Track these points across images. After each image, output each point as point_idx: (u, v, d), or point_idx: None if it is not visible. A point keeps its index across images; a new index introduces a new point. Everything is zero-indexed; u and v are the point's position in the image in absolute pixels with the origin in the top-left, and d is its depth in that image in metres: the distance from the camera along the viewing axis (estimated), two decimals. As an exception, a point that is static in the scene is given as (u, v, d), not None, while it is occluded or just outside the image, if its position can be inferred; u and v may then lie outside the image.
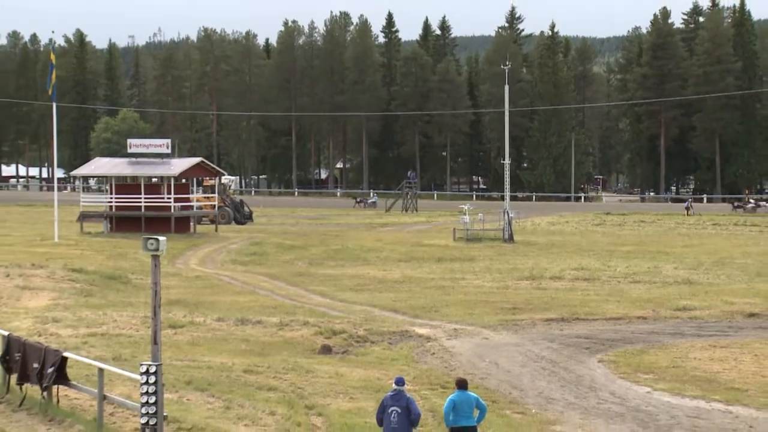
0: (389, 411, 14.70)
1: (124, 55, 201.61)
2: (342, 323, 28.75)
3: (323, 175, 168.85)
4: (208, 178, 74.87)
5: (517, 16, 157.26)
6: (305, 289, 38.85)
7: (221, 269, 46.06)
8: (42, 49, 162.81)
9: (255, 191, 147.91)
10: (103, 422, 16.78)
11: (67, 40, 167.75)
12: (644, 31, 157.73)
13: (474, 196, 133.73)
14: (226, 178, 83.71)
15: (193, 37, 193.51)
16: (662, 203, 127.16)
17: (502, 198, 69.04)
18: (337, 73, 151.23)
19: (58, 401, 18.05)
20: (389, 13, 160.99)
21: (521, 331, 28.90)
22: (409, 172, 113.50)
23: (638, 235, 70.14)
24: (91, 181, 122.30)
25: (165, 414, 15.46)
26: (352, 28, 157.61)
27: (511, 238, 61.46)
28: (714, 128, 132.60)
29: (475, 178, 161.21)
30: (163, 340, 16.48)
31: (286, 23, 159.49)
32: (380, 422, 14.91)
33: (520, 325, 29.90)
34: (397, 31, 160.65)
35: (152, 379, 14.99)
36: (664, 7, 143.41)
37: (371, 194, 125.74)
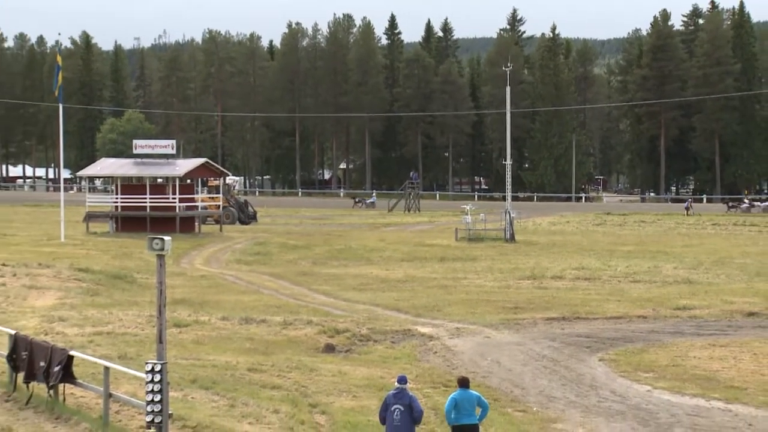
0: (392, 409, 14.76)
1: (130, 57, 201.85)
2: (345, 322, 28.79)
3: (327, 176, 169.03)
4: (212, 178, 74.97)
5: (518, 18, 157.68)
6: (309, 288, 38.88)
7: (226, 269, 46.13)
8: (48, 51, 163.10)
9: (259, 191, 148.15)
10: (109, 420, 16.86)
11: (74, 42, 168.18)
12: (644, 33, 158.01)
13: (476, 197, 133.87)
14: (230, 179, 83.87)
15: (198, 39, 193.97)
16: (662, 203, 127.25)
17: (504, 198, 69.06)
18: (340, 75, 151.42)
19: (64, 399, 18.10)
20: (392, 15, 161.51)
21: (523, 330, 28.92)
22: (411, 173, 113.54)
23: (638, 235, 70.19)
24: (97, 182, 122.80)
25: (170, 412, 15.50)
26: (355, 30, 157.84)
27: (512, 238, 61.56)
28: (713, 129, 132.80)
29: (477, 178, 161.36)
30: (168, 338, 16.56)
31: (289, 25, 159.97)
32: (383, 420, 14.97)
33: (522, 324, 29.92)
34: (399, 33, 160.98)
35: (157, 377, 15.03)
36: (664, 9, 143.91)
37: (371, 195, 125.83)
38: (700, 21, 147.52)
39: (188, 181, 67.39)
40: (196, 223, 65.65)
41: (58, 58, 59.71)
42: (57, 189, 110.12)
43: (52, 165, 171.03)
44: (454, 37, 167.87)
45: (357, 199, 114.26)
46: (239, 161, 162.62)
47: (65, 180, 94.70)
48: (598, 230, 74.52)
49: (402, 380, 15.09)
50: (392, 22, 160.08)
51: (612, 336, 28.14)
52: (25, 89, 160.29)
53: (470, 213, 65.31)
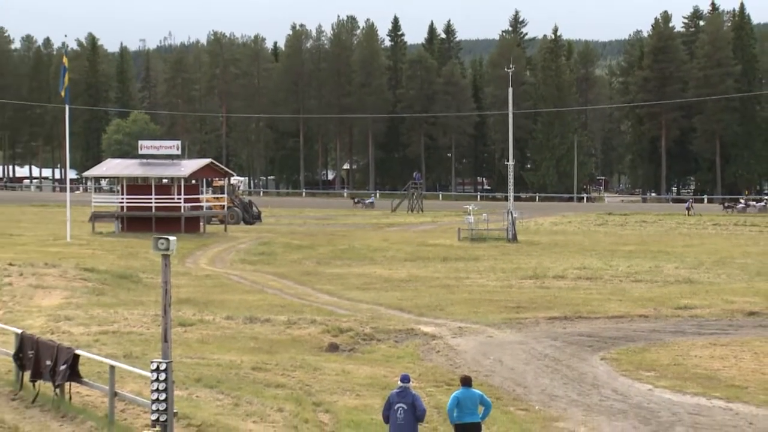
0: (395, 408, 14.82)
1: (136, 59, 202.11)
2: (349, 321, 28.85)
3: (330, 176, 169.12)
4: (217, 179, 75.16)
5: (520, 20, 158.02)
6: (313, 287, 38.94)
7: (230, 268, 46.20)
8: (55, 52, 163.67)
9: (263, 192, 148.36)
10: (115, 419, 16.94)
11: (80, 43, 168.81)
12: (645, 34, 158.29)
13: (478, 197, 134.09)
14: (235, 179, 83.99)
15: (203, 40, 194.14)
16: (663, 204, 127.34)
17: (506, 198, 69.11)
18: (344, 76, 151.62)
19: (70, 398, 18.18)
20: (395, 17, 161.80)
21: (525, 330, 28.99)
22: (414, 173, 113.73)
23: (640, 235, 70.20)
24: (103, 182, 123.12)
25: (175, 410, 15.59)
26: (358, 31, 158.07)
27: (514, 238, 61.63)
28: (714, 130, 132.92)
29: (479, 179, 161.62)
30: (173, 338, 16.68)
31: (294, 27, 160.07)
32: (386, 419, 15.02)
33: (524, 323, 29.98)
34: (402, 34, 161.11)
35: (162, 376, 15.11)
36: (665, 11, 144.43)
37: (370, 195, 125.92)
38: (701, 23, 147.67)
39: (193, 181, 67.57)
40: (201, 223, 65.80)
41: (65, 60, 59.92)
42: (63, 189, 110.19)
43: (59, 165, 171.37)
44: (457, 39, 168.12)
45: (356, 200, 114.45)
46: (244, 162, 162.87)
47: (71, 180, 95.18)
48: (600, 230, 74.54)
49: (405, 379, 15.14)
50: (395, 24, 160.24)
51: (613, 335, 28.20)
52: (32, 90, 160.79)
53: (473, 213, 65.37)
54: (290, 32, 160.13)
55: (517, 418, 19.01)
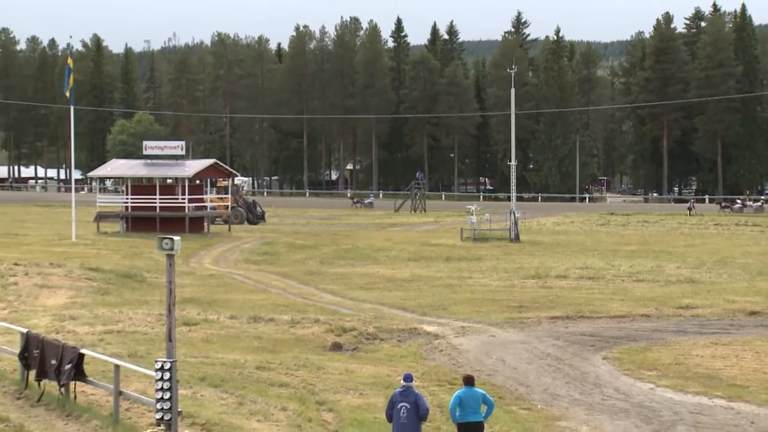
0: (398, 407, 14.90)
1: (140, 60, 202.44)
2: (352, 321, 28.91)
3: (334, 176, 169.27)
4: (221, 179, 75.23)
5: (523, 21, 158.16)
6: (316, 287, 39.01)
7: (234, 268, 46.28)
8: (60, 53, 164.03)
9: (267, 192, 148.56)
10: (119, 417, 17.04)
11: (85, 44, 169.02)
12: (647, 35, 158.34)
13: (481, 197, 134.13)
14: (239, 179, 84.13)
15: (207, 41, 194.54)
16: (665, 204, 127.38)
17: (509, 199, 69.25)
18: (347, 77, 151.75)
19: (75, 397, 18.26)
20: (398, 18, 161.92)
21: (527, 329, 29.02)
22: (417, 173, 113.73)
23: (642, 234, 70.20)
24: (108, 182, 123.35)
25: (179, 409, 15.66)
26: (362, 33, 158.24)
27: (517, 238, 61.70)
28: (716, 130, 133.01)
29: (482, 179, 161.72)
30: (177, 337, 16.71)
31: (297, 28, 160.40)
32: (389, 418, 15.11)
33: (526, 323, 30.02)
34: (406, 35, 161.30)
35: (167, 375, 15.19)
36: (667, 12, 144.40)
37: (370, 195, 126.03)
38: (703, 24, 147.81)
39: (197, 181, 67.68)
40: (205, 223, 65.93)
41: (70, 61, 60.01)
42: (68, 189, 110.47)
43: (64, 166, 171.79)
44: (460, 40, 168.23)
45: (355, 199, 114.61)
46: (248, 162, 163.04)
47: (76, 181, 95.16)
48: (602, 230, 74.54)
49: (408, 378, 15.21)
50: (398, 25, 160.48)
51: (615, 335, 28.23)
52: (37, 91, 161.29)
53: (475, 213, 65.45)
54: (294, 33, 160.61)
55: (519, 417, 19.05)
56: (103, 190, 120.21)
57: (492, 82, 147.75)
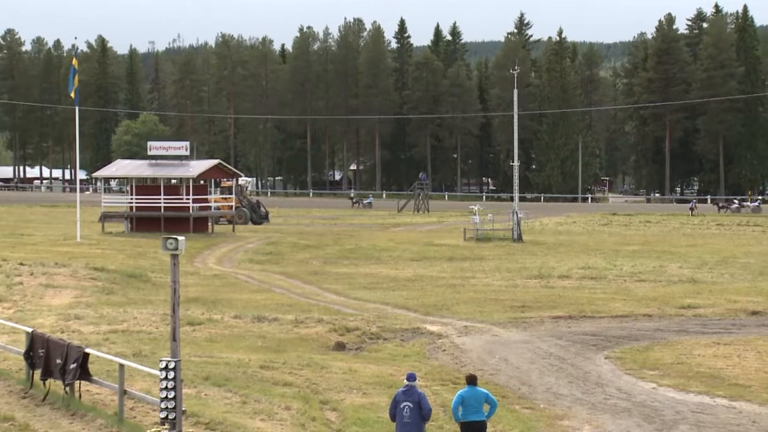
0: (401, 406, 14.96)
1: (145, 61, 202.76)
2: (355, 320, 28.95)
3: (337, 177, 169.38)
4: (225, 179, 75.34)
5: (525, 22, 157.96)
6: (320, 287, 39.02)
7: (238, 268, 46.30)
8: (65, 54, 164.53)
9: (271, 192, 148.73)
10: (124, 416, 17.12)
11: (90, 45, 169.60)
12: (649, 36, 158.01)
13: (484, 197, 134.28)
14: (243, 180, 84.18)
15: (211, 42, 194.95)
16: (667, 204, 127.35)
17: (511, 199, 69.31)
18: (350, 78, 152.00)
19: (80, 396, 18.35)
20: (401, 19, 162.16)
21: (530, 329, 29.08)
22: (420, 174, 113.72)
23: (644, 235, 70.13)
24: (113, 183, 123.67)
25: (184, 409, 15.75)
26: (365, 33, 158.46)
27: (519, 238, 61.71)
28: (717, 131, 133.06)
29: (484, 179, 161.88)
30: (181, 336, 16.83)
31: (301, 29, 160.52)
32: (393, 417, 15.18)
33: (529, 322, 30.07)
34: (409, 36, 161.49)
35: (171, 374, 15.23)
36: (669, 14, 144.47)
37: (369, 195, 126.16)
38: (705, 25, 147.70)
39: (202, 182, 67.81)
40: (210, 223, 66.02)
41: (75, 62, 60.18)
42: (73, 190, 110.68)
43: (69, 166, 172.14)
44: (463, 41, 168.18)
45: (355, 200, 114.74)
46: (252, 162, 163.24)
47: (81, 181, 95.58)
48: (604, 230, 74.45)
49: (411, 378, 15.29)
50: (402, 26, 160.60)
51: (618, 334, 28.27)
52: (42, 92, 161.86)
53: (478, 213, 65.43)
54: (297, 34, 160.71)
55: (522, 417, 19.11)
56: (108, 190, 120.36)
57: (495, 83, 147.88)
